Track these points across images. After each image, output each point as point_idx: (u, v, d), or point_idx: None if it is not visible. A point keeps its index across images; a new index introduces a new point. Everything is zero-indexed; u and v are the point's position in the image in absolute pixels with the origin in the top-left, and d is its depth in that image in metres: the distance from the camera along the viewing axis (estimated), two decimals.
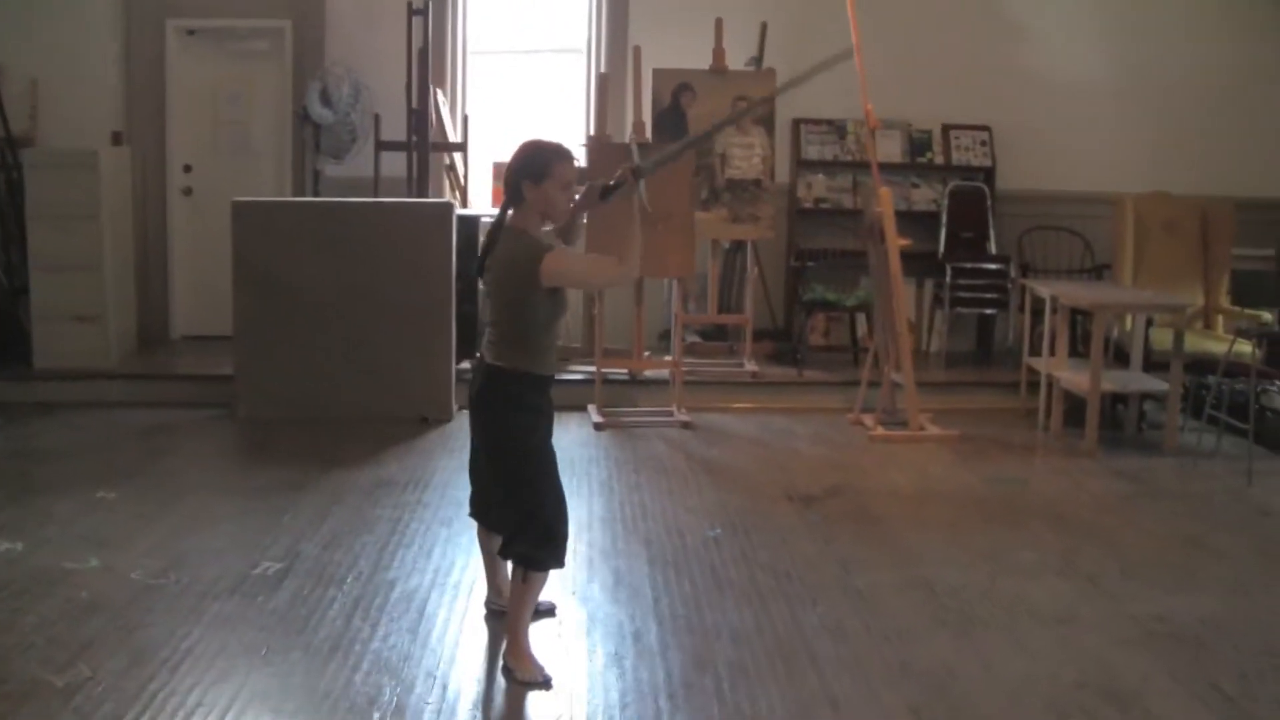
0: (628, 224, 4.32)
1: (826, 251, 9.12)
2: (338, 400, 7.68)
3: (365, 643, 4.49)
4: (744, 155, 8.43)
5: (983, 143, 9.33)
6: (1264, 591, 5.39)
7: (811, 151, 9.23)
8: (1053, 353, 7.85)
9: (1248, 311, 7.99)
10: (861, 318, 8.98)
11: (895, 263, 7.56)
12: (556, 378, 4.42)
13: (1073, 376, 7.64)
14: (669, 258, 7.90)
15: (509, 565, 4.57)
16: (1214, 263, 8.53)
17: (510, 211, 4.26)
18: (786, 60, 8.61)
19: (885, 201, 7.54)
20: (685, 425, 7.76)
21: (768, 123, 8.46)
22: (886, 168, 9.24)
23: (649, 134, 8.08)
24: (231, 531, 5.65)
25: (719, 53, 8.35)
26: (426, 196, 8.50)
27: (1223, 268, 8.51)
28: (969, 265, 8.75)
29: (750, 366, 8.61)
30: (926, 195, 9.28)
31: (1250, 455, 6.88)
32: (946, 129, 9.36)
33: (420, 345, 7.73)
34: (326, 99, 8.50)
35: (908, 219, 9.21)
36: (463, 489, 6.32)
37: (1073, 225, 9.29)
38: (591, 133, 8.56)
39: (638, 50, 8.05)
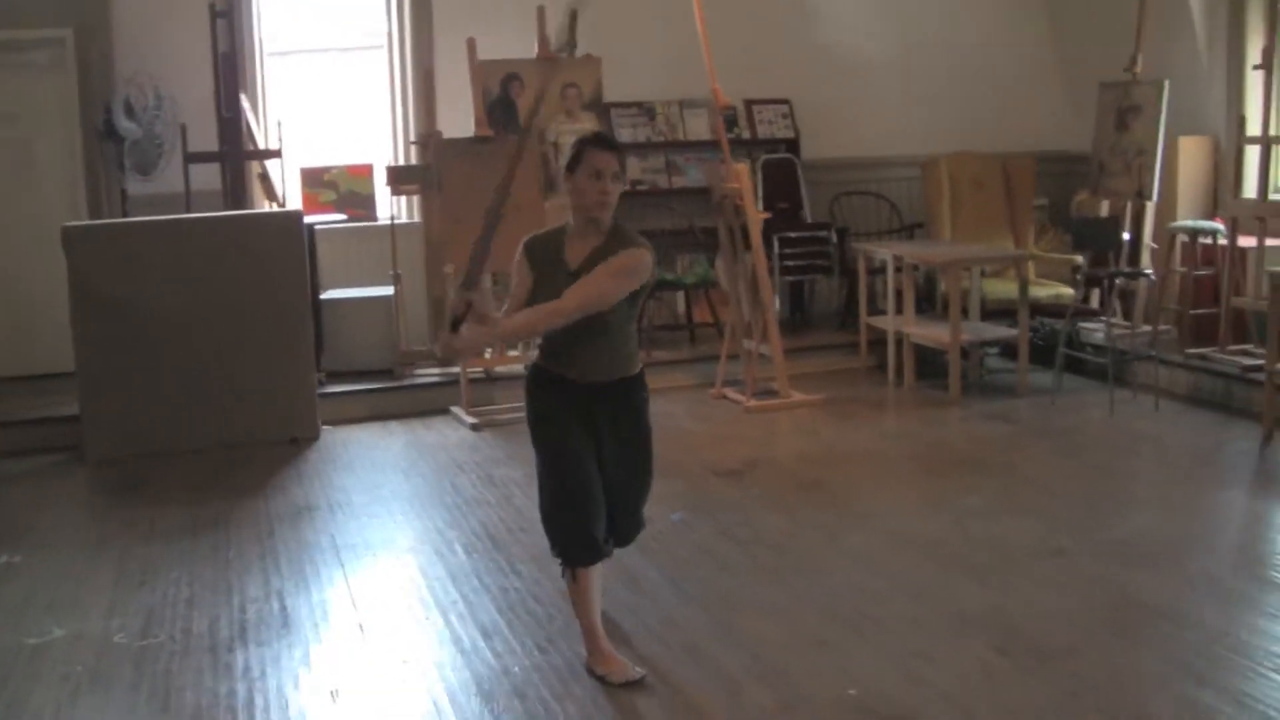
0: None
1: (650, 232, 9.14)
2: (197, 430, 7.21)
3: (450, 659, 4.28)
4: None
5: (784, 115, 9.61)
6: (1190, 505, 5.88)
7: (624, 134, 9.26)
8: (899, 311, 8.19)
9: (1062, 256, 8.61)
10: (683, 295, 9.14)
11: (756, 236, 7.71)
12: (574, 380, 4.17)
13: (927, 332, 8.01)
14: None
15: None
16: (1019, 213, 9.12)
17: None
18: (596, 46, 8.60)
19: (743, 177, 7.67)
20: None
21: (597, 106, 8.44)
22: (697, 145, 9.43)
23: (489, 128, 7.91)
24: (183, 577, 5.23)
25: (544, 41, 8.25)
26: (244, 208, 8.05)
27: (1027, 218, 9.12)
28: (794, 234, 8.99)
29: None
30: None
31: (1111, 389, 7.41)
32: (749, 104, 9.58)
33: (279, 362, 7.35)
34: (131, 111, 7.91)
35: None
36: (392, 506, 6.16)
37: (877, 189, 9.71)
38: (420, 130, 8.32)
39: (472, 42, 7.86)
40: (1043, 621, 4.50)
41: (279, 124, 8.22)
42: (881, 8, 9.69)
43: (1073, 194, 9.53)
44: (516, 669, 4.26)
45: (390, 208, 8.79)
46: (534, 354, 4.35)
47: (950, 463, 6.62)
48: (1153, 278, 7.68)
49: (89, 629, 4.73)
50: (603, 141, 4.11)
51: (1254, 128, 7.96)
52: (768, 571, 5.13)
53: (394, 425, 7.74)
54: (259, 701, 4.07)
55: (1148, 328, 8.12)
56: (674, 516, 5.81)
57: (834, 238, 9.16)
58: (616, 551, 4.71)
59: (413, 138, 8.61)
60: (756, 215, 7.73)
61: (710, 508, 5.94)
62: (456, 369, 7.89)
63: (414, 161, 8.63)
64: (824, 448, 6.99)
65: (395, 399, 7.99)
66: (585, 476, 4.17)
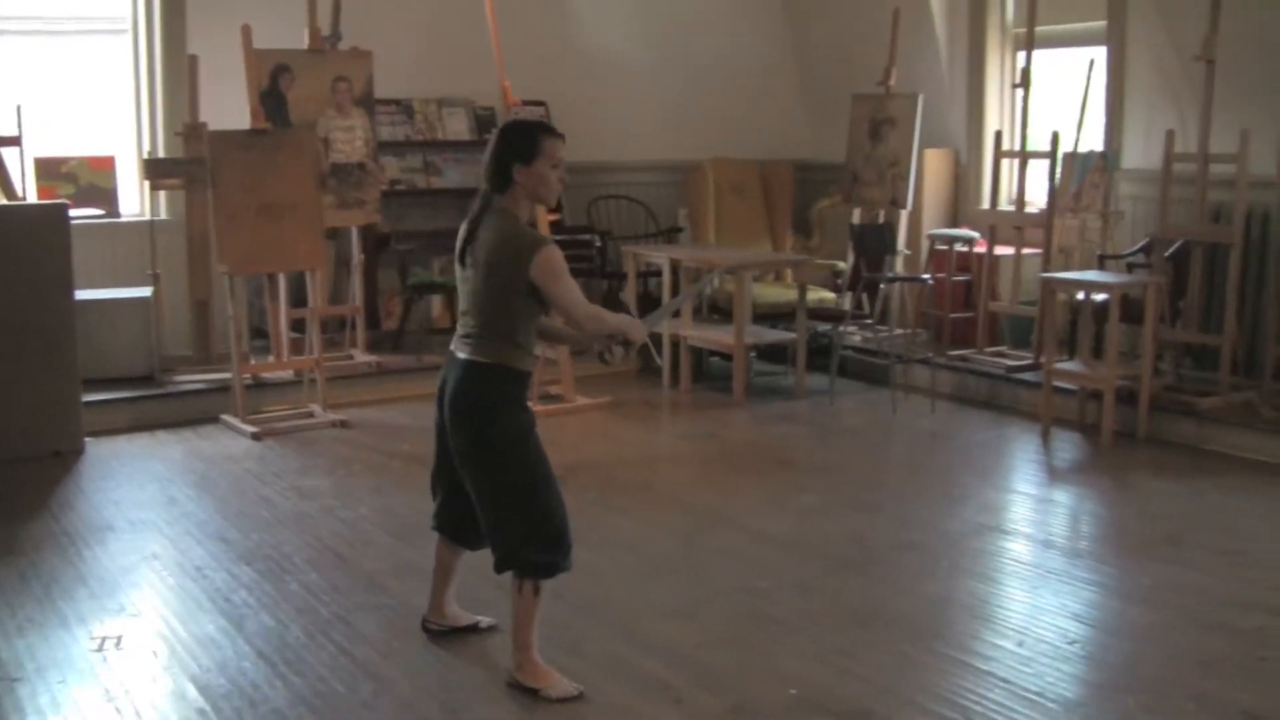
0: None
1: (414, 233, 8.87)
2: None
3: (361, 685, 3.99)
4: (346, 138, 8.03)
5: (541, 118, 9.51)
6: (1002, 497, 6.22)
7: (383, 133, 8.92)
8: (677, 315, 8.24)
9: (827, 262, 8.92)
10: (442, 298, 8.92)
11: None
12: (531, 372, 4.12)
13: (709, 335, 8.11)
14: (298, 248, 7.42)
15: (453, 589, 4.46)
16: (778, 219, 9.37)
17: (496, 197, 3.96)
18: (362, 38, 8.27)
19: None
20: (343, 424, 7.34)
21: (367, 102, 8.11)
22: (456, 145, 9.23)
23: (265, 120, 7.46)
24: (2, 610, 4.67)
25: (315, 32, 7.87)
26: None
27: (785, 223, 9.38)
28: (559, 238, 8.87)
29: (364, 357, 8.26)
30: None
31: (894, 391, 7.73)
32: (507, 105, 9.43)
33: (39, 369, 6.69)
34: None
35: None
36: (204, 524, 5.68)
37: (631, 193, 9.75)
38: (185, 121, 7.75)
39: (247, 29, 7.37)
40: (934, 611, 4.65)
41: (18, 109, 7.46)
42: (633, 13, 9.77)
43: (811, 201, 9.89)
44: (434, 685, 4.04)
45: (138, 203, 8.16)
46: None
47: (765, 462, 6.73)
48: (930, 282, 8.04)
49: None
50: (554, 130, 4.01)
51: (1007, 142, 8.48)
52: (643, 576, 5.06)
53: (163, 435, 7.18)
54: None
55: (901, 331, 8.52)
56: None
57: (598, 241, 9.15)
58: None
59: (174, 129, 7.98)
60: (547, 216, 7.62)
61: None
62: (228, 375, 7.42)
63: (164, 153, 8.03)
64: (632, 451, 6.96)
65: (160, 407, 7.41)
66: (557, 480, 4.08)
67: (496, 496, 3.98)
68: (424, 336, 8.52)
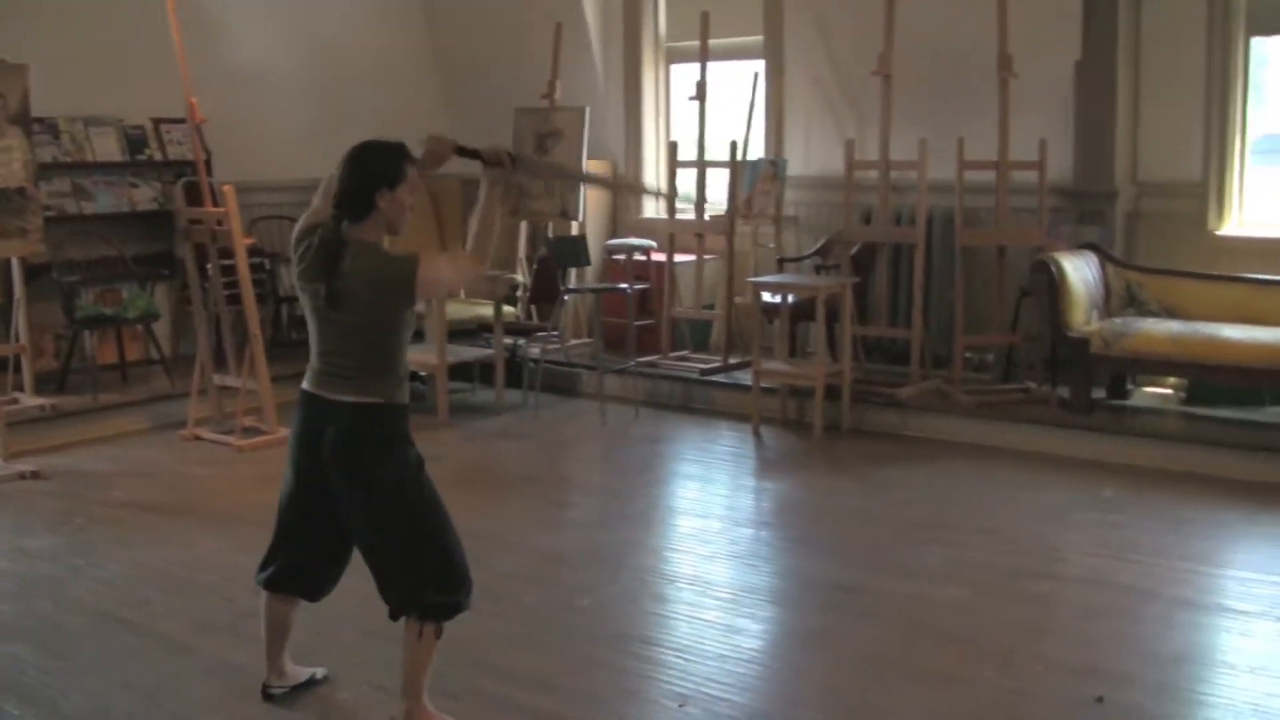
0: (486, 213, 4.01)
1: (75, 263, 8.16)
2: None
3: None
4: (3, 161, 7.32)
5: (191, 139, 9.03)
6: (752, 491, 6.64)
7: None
8: None
9: (511, 276, 8.99)
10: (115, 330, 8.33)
11: (244, 264, 7.30)
12: None
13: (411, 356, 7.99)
14: None
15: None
16: (450, 235, 9.30)
17: (349, 226, 3.76)
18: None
19: (230, 200, 7.19)
20: (35, 475, 6.75)
21: (24, 122, 7.42)
22: (107, 167, 8.63)
23: None
24: None
25: None
26: None
27: (458, 239, 9.32)
28: (228, 261, 8.48)
29: (32, 400, 7.59)
30: (147, 194, 8.75)
31: (602, 399, 7.91)
32: (158, 124, 8.90)
33: None
34: None
35: (133, 220, 8.72)
36: None
37: (291, 213, 9.40)
38: None
39: None
40: (763, 605, 4.91)
41: None
42: (278, 27, 9.47)
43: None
44: None
45: None
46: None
47: (507, 480, 6.76)
48: (630, 292, 8.21)
49: None
50: (410, 152, 3.84)
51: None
52: (521, 600, 4.97)
53: None
54: None
55: (576, 341, 8.75)
56: None
57: (266, 264, 8.82)
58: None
59: None
60: (243, 241, 7.31)
61: None
62: None
63: None
64: None
65: None
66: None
67: (389, 541, 3.83)
68: (95, 374, 7.90)
